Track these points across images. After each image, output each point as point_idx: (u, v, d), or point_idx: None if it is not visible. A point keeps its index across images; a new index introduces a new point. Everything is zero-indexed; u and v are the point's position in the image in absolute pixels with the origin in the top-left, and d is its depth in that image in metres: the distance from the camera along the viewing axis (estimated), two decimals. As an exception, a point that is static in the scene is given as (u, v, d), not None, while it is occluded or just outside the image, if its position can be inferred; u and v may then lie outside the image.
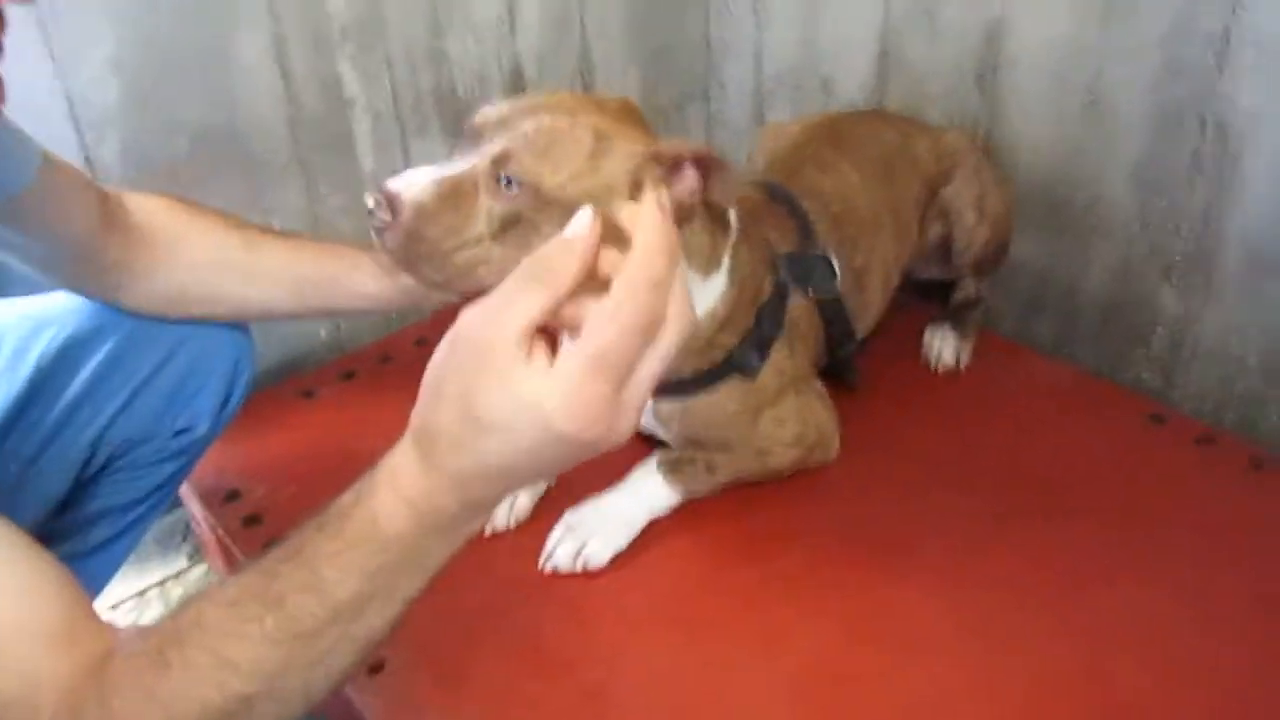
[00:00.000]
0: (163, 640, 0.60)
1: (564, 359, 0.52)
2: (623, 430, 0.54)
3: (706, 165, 0.88)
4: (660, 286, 0.53)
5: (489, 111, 0.89)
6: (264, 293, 1.02)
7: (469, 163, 0.86)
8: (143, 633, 0.61)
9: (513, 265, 0.55)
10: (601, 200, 0.81)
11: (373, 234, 0.87)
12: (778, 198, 1.18)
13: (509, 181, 0.84)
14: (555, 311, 0.53)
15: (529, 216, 0.84)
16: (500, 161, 0.84)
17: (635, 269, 0.53)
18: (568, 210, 0.82)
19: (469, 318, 0.54)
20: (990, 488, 1.14)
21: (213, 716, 0.58)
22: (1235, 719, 0.89)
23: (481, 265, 0.86)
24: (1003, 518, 1.10)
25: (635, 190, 0.84)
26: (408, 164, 1.49)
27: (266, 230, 1.06)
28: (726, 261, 1.03)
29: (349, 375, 1.40)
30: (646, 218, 0.54)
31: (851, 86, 1.60)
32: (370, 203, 0.85)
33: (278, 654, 0.58)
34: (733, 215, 1.03)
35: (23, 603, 0.59)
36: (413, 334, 1.50)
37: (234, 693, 0.58)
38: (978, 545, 1.06)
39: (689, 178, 0.88)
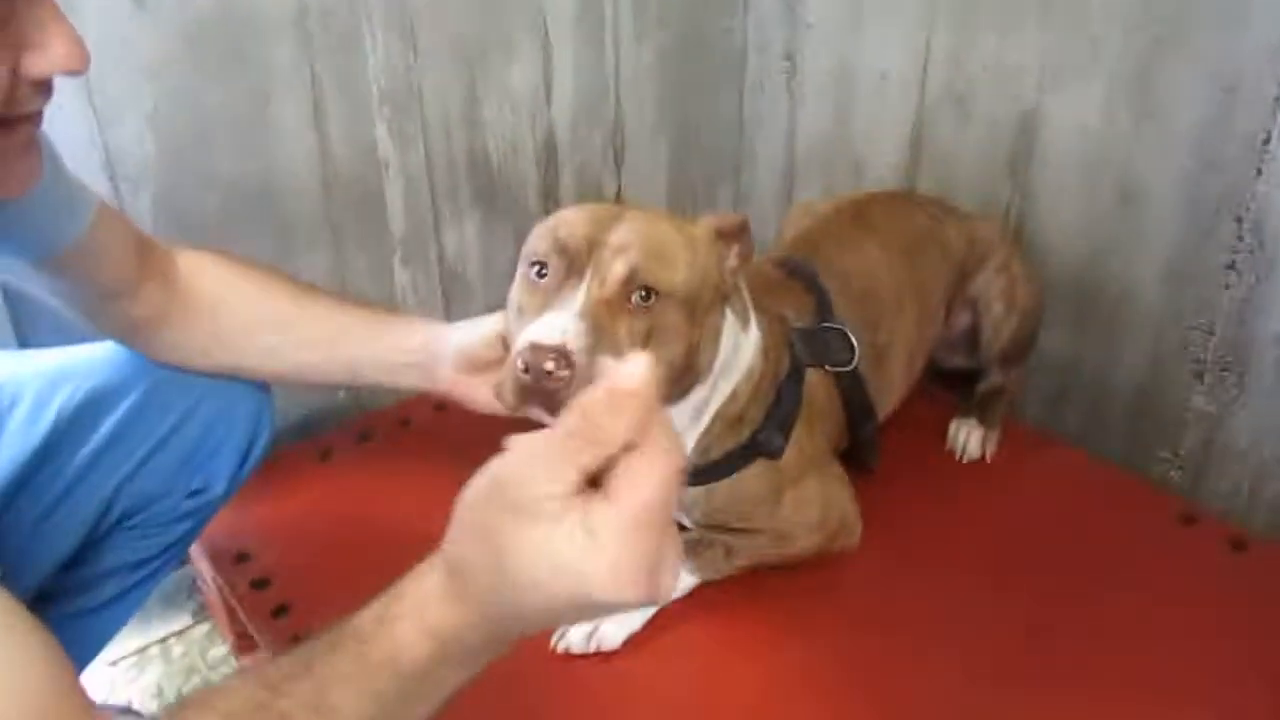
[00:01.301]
0: None
1: (604, 525, 0.49)
2: (668, 586, 0.51)
3: (743, 231, 0.97)
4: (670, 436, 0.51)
5: (570, 226, 0.89)
6: (301, 351, 1.02)
7: (586, 286, 0.86)
8: None
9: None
10: (707, 284, 0.92)
11: (516, 388, 0.83)
12: (797, 273, 1.18)
13: (646, 295, 0.87)
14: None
15: (661, 322, 0.89)
16: (631, 279, 0.87)
17: (657, 419, 0.51)
18: (685, 302, 0.90)
19: (516, 463, 0.52)
20: (1014, 583, 1.11)
21: None
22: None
23: None
24: (1026, 615, 1.07)
25: (720, 266, 0.95)
26: (438, 228, 1.49)
27: (318, 289, 1.06)
28: (754, 325, 1.05)
29: (366, 437, 1.38)
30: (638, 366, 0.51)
31: (882, 167, 1.61)
32: (548, 365, 0.80)
33: None
34: (742, 283, 1.03)
35: (9, 688, 0.55)
36: (433, 398, 1.48)
37: None
38: (1000, 642, 1.03)
39: (737, 245, 0.97)
